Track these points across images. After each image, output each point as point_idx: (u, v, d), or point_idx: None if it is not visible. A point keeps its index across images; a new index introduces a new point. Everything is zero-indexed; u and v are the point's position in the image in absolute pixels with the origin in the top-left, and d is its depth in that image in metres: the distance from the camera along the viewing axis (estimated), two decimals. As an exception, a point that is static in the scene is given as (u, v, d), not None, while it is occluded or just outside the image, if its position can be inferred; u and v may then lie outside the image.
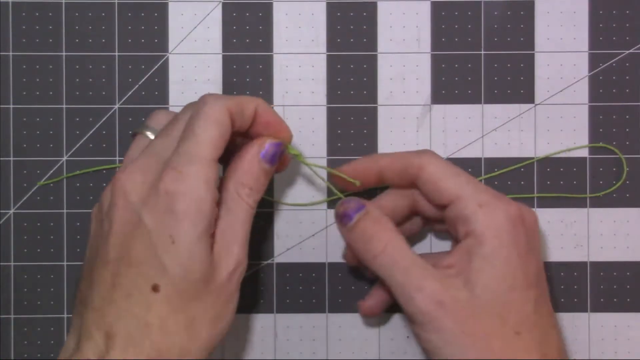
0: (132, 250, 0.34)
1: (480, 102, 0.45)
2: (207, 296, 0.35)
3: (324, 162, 0.45)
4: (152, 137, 0.39)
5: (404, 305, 0.36)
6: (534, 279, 0.36)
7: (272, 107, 0.38)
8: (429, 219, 0.41)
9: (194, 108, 0.36)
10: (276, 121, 0.38)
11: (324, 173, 0.44)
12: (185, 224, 0.34)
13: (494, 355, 0.35)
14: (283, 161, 0.40)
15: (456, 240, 0.38)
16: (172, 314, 0.34)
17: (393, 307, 0.43)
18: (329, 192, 0.45)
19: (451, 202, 0.37)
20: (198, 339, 0.34)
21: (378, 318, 0.44)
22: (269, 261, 0.45)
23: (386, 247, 0.37)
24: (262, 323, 0.45)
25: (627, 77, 0.45)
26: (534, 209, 0.44)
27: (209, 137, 0.35)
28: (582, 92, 0.45)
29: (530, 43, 0.45)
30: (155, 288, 0.34)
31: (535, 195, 0.45)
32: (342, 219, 0.38)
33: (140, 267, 0.34)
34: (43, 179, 0.44)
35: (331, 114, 0.45)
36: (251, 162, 0.37)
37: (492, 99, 0.45)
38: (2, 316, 0.44)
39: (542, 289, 0.37)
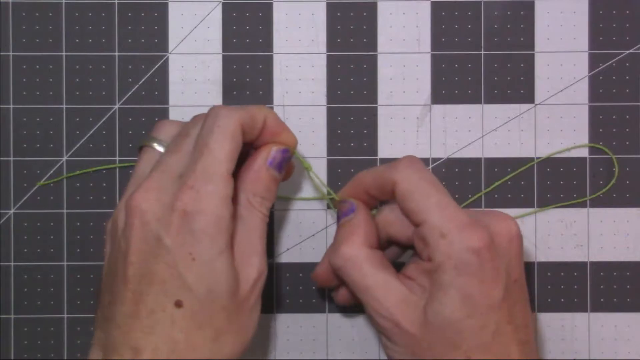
0: (152, 269, 0.34)
1: (480, 102, 0.45)
2: (232, 309, 0.35)
3: (324, 162, 0.45)
4: (160, 149, 0.38)
5: (367, 313, 0.37)
6: (498, 301, 0.35)
7: (277, 115, 0.38)
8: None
9: (206, 121, 0.36)
10: (283, 130, 0.38)
11: (322, 178, 0.44)
12: (204, 242, 0.34)
13: None
14: (288, 169, 0.40)
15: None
16: (198, 329, 0.34)
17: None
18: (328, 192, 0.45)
19: (418, 225, 0.36)
20: (224, 351, 0.35)
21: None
22: (269, 261, 0.45)
23: (349, 259, 0.37)
24: (262, 323, 0.45)
25: (627, 77, 0.45)
26: (532, 208, 0.44)
27: (224, 152, 0.35)
28: (582, 92, 0.45)
29: (530, 43, 0.45)
30: (178, 304, 0.34)
31: (536, 211, 0.45)
32: (337, 219, 0.40)
33: (163, 285, 0.34)
34: (43, 179, 0.44)
35: (331, 114, 0.45)
36: (260, 171, 0.37)
37: (492, 99, 0.45)
38: (2, 316, 0.44)
39: (509, 308, 0.35)
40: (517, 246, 0.36)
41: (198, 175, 0.34)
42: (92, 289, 0.45)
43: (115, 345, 0.34)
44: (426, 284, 0.36)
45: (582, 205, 0.45)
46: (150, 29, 0.45)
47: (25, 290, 0.44)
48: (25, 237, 0.45)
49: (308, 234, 0.45)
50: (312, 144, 0.45)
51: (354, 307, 0.44)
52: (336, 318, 0.45)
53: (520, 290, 0.36)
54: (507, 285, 0.35)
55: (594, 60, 0.45)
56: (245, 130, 0.36)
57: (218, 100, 0.45)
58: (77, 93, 0.45)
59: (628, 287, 0.45)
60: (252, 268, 0.36)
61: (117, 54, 0.45)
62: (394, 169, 0.37)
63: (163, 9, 0.45)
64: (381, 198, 0.39)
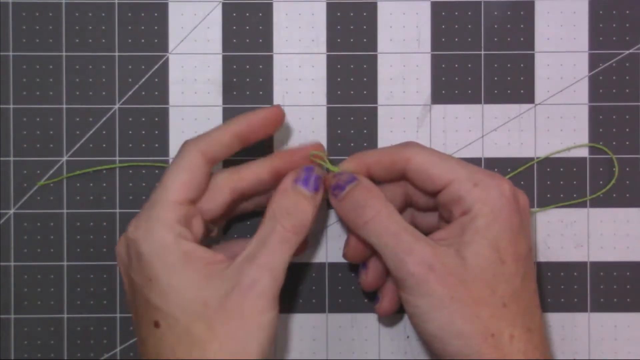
0: (134, 301, 0.38)
1: (480, 102, 0.45)
2: (214, 318, 0.35)
3: (324, 162, 0.45)
4: None
5: (395, 270, 0.37)
6: (523, 256, 0.37)
7: (246, 114, 0.40)
8: (420, 209, 0.41)
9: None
10: (262, 119, 0.39)
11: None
12: (153, 263, 0.36)
13: (481, 322, 0.35)
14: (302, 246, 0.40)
15: (448, 223, 0.39)
16: (178, 341, 0.35)
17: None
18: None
19: (445, 187, 0.38)
20: (213, 357, 0.35)
21: (377, 318, 0.44)
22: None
23: (378, 213, 0.37)
24: (262, 323, 0.45)
25: (627, 77, 0.45)
26: (533, 208, 0.44)
27: (174, 182, 0.37)
28: (582, 92, 0.45)
29: (530, 43, 0.45)
30: (156, 324, 0.36)
31: (536, 211, 0.45)
32: (334, 190, 0.39)
33: (142, 311, 0.37)
34: (43, 179, 0.44)
35: (331, 114, 0.45)
36: (284, 187, 0.38)
37: (492, 99, 0.45)
38: (2, 316, 0.44)
39: (530, 268, 0.38)
40: (529, 215, 0.39)
41: (146, 205, 0.38)
42: (92, 289, 0.45)
43: None
44: (458, 238, 0.37)
45: (582, 205, 0.45)
46: (150, 29, 0.45)
47: (25, 290, 0.44)
48: (25, 237, 0.45)
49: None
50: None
51: (354, 307, 0.44)
52: (336, 318, 0.45)
53: (532, 261, 0.38)
54: (527, 245, 0.37)
55: (594, 60, 0.45)
56: (212, 154, 0.38)
57: (218, 101, 0.45)
58: (77, 93, 0.45)
59: (628, 287, 0.45)
60: (244, 277, 0.36)
61: (117, 54, 0.45)
62: (403, 148, 0.39)
63: (163, 9, 0.45)
64: (382, 177, 0.40)
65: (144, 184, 0.44)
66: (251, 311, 0.36)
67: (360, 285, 0.42)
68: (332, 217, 0.45)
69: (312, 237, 0.45)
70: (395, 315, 0.44)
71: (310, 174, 0.39)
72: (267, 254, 0.36)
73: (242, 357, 0.35)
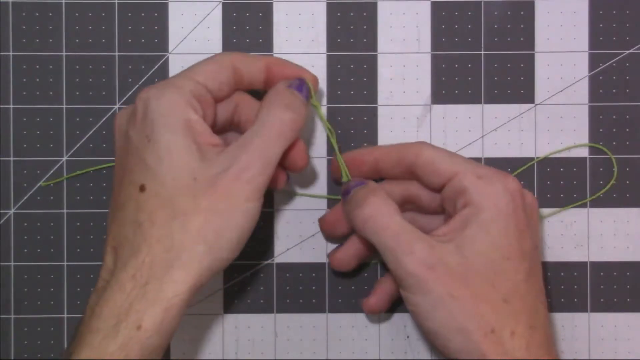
0: (123, 164, 0.37)
1: (480, 102, 0.45)
2: (201, 193, 0.35)
3: (323, 162, 0.45)
4: None
5: (394, 269, 0.37)
6: (528, 253, 0.37)
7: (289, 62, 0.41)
8: (423, 210, 0.41)
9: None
10: (294, 71, 0.40)
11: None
12: (156, 123, 0.36)
13: (482, 318, 0.35)
14: (300, 158, 0.40)
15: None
16: (160, 208, 0.35)
17: (394, 305, 0.43)
18: (329, 190, 0.45)
19: (450, 179, 0.38)
20: (188, 231, 0.35)
21: (378, 318, 0.44)
22: (269, 261, 0.45)
23: (376, 212, 0.37)
24: (262, 323, 0.45)
25: (627, 77, 0.45)
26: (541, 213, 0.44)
27: (201, 68, 0.38)
28: (582, 92, 0.45)
29: (530, 43, 0.45)
30: (142, 188, 0.36)
31: (544, 216, 0.45)
32: (344, 196, 0.40)
33: (130, 174, 0.36)
34: (43, 179, 0.44)
35: (331, 114, 0.45)
36: (279, 88, 0.39)
37: (492, 99, 0.45)
38: (2, 316, 0.44)
39: (535, 266, 0.37)
40: (536, 215, 0.39)
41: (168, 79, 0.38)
42: (92, 289, 0.45)
43: (105, 249, 0.37)
44: (459, 232, 0.37)
45: (582, 205, 0.45)
46: (150, 29, 0.45)
47: (25, 290, 0.44)
48: (25, 237, 0.45)
49: (308, 234, 0.45)
50: (312, 143, 0.45)
51: (354, 307, 0.44)
52: (336, 318, 0.45)
53: (538, 259, 0.38)
54: (533, 243, 0.37)
55: (594, 60, 0.45)
56: (240, 67, 0.39)
57: (218, 100, 0.45)
58: (77, 93, 0.45)
59: (628, 287, 0.45)
60: (237, 162, 0.36)
61: (117, 54, 0.45)
62: (413, 144, 0.40)
63: (163, 9, 0.45)
64: (389, 170, 0.40)
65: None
66: (238, 195, 0.36)
67: (363, 307, 0.42)
68: (332, 217, 0.45)
69: (312, 237, 0.45)
70: (395, 315, 0.44)
71: (302, 83, 0.39)
72: (261, 144, 0.37)
73: (224, 234, 0.35)
